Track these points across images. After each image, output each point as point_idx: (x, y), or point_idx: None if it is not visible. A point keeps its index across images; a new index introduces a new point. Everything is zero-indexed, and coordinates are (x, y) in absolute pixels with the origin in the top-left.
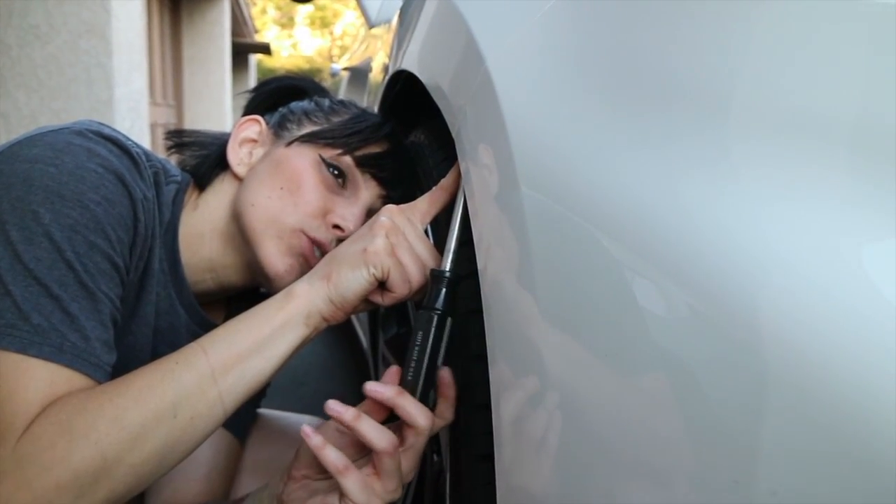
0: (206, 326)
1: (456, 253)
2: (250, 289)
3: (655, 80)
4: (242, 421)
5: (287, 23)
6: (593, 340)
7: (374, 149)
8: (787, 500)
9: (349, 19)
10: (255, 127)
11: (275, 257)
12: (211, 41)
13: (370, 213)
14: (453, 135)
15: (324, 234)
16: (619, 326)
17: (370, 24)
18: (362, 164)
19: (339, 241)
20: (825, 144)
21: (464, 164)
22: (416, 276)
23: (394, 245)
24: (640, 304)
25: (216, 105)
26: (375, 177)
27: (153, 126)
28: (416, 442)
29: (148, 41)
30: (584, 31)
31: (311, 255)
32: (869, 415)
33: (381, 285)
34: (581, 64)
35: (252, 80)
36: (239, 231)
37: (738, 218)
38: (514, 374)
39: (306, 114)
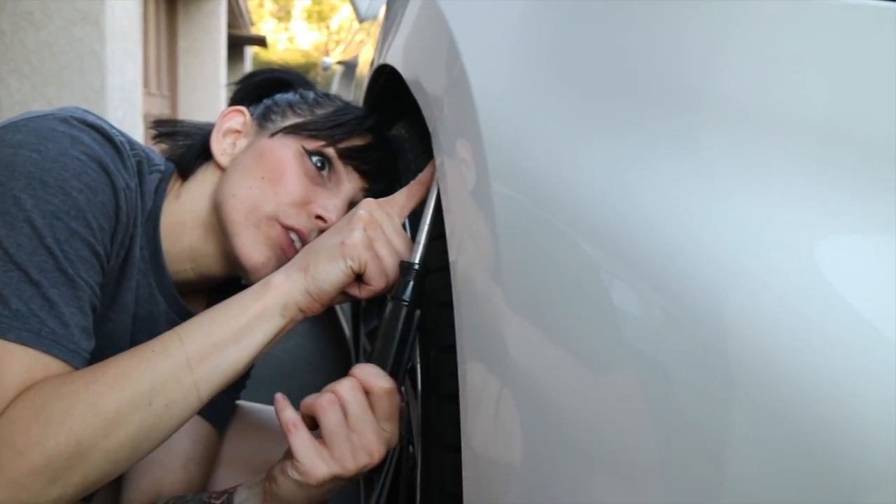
0: (185, 316)
1: (426, 246)
2: (231, 280)
3: (626, 77)
4: (221, 412)
5: (284, 16)
6: (560, 334)
7: (357, 141)
8: (744, 489)
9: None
10: (240, 118)
11: (251, 248)
12: (207, 33)
13: (352, 205)
14: (430, 129)
15: (303, 223)
16: (587, 321)
17: (360, 19)
18: (345, 156)
19: (321, 231)
20: (795, 142)
21: (439, 158)
22: (392, 270)
23: (371, 238)
24: (607, 299)
25: (210, 97)
26: (358, 169)
27: (146, 116)
28: (381, 404)
29: (143, 31)
30: (556, 29)
31: (289, 245)
32: (828, 411)
33: (359, 278)
34: (554, 61)
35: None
36: (219, 221)
37: (707, 214)
38: (482, 366)
39: (291, 106)
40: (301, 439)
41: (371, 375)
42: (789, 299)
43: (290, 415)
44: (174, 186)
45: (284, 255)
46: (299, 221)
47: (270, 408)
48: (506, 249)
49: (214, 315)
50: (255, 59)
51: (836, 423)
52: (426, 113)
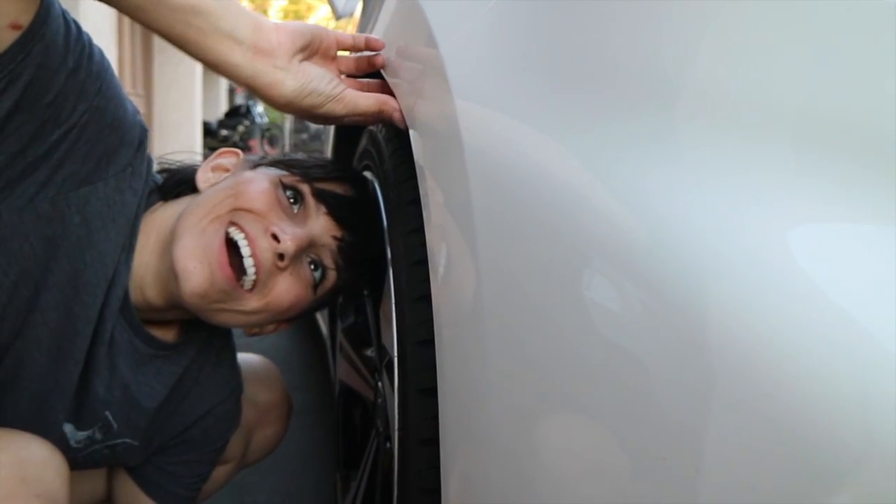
0: (139, 332)
1: None
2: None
3: (603, 68)
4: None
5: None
6: (538, 328)
7: (335, 188)
8: (722, 479)
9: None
10: (233, 159)
11: (186, 252)
12: None
13: (316, 245)
14: (406, 122)
15: (256, 232)
16: (565, 314)
17: (337, 16)
18: (319, 196)
19: (279, 257)
20: (775, 133)
21: (416, 150)
22: None
23: None
24: (585, 291)
25: (185, 96)
26: (331, 214)
27: None
28: None
29: (118, 29)
30: (533, 20)
31: (224, 264)
32: (805, 399)
33: None
34: (530, 52)
35: None
36: (173, 231)
37: (685, 205)
38: (460, 360)
39: (283, 156)
40: None
41: None
42: (767, 290)
43: None
44: (156, 203)
45: (220, 270)
46: (253, 229)
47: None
48: (483, 243)
49: None
50: None
51: (812, 412)
52: (403, 103)
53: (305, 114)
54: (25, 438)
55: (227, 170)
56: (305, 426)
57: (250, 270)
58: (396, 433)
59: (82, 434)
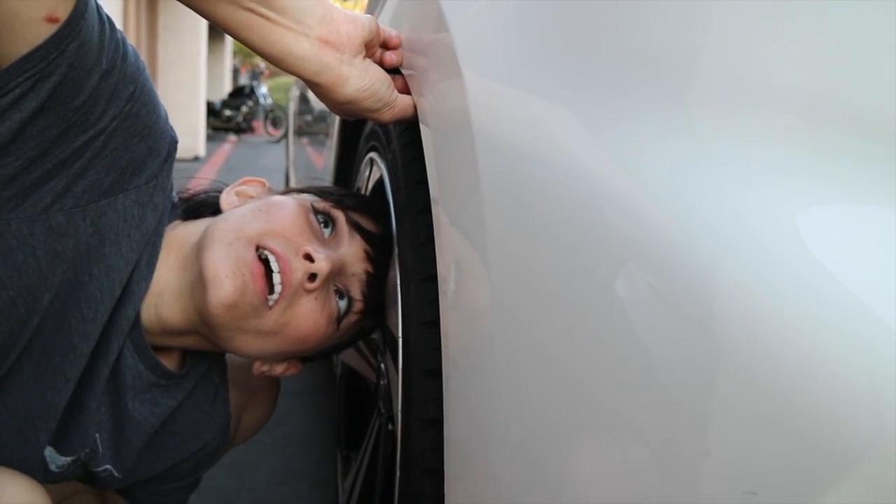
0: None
1: None
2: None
3: (617, 50)
4: None
5: None
6: (545, 311)
7: (368, 218)
8: (731, 464)
9: None
10: (259, 188)
11: (216, 260)
12: (187, 10)
13: (345, 274)
14: (416, 105)
15: (287, 253)
16: (572, 298)
17: None
18: (354, 225)
19: (310, 277)
20: (787, 120)
21: (425, 133)
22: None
23: None
24: (593, 274)
25: (190, 75)
26: (366, 244)
27: None
28: None
29: (123, 7)
30: (547, 1)
31: (259, 276)
32: (810, 388)
33: None
34: (543, 34)
35: (228, 52)
36: (197, 246)
37: (697, 194)
38: (465, 341)
39: (313, 185)
40: None
41: None
42: (776, 275)
43: None
44: (175, 221)
45: (253, 282)
46: (284, 250)
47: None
48: (491, 223)
49: None
50: None
51: (821, 397)
52: (413, 90)
53: (355, 115)
54: (4, 478)
55: (252, 197)
56: (306, 406)
57: (277, 288)
58: (400, 414)
59: (64, 459)
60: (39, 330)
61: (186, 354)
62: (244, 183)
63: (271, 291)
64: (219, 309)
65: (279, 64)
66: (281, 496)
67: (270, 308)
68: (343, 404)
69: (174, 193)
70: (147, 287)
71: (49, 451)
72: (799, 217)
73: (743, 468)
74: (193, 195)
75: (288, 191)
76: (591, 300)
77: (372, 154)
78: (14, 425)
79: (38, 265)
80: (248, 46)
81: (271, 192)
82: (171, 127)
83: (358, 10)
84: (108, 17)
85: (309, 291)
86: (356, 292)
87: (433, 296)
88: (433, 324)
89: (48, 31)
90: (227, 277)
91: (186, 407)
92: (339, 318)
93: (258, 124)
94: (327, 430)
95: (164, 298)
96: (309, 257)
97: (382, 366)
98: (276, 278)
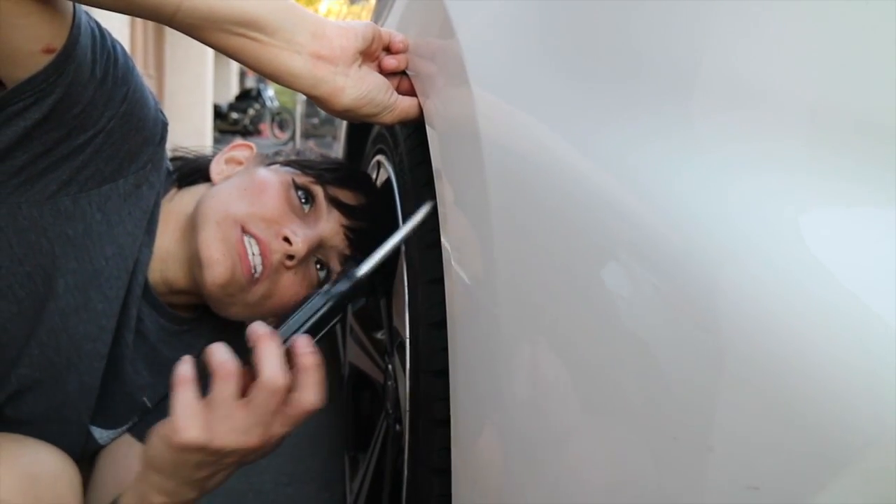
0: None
1: (375, 266)
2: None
3: (621, 57)
4: None
5: None
6: (551, 311)
7: (347, 192)
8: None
9: None
10: (247, 152)
11: (209, 242)
12: None
13: (325, 247)
14: (423, 109)
15: (268, 238)
16: (577, 298)
17: (351, 0)
18: (332, 201)
19: (288, 257)
20: (786, 120)
21: (432, 136)
22: None
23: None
24: (598, 274)
25: (196, 78)
26: (343, 218)
27: None
28: (258, 398)
29: None
30: (551, 6)
31: (244, 256)
32: (811, 385)
33: None
34: (548, 38)
35: None
36: (192, 220)
37: (698, 194)
38: (473, 341)
39: (296, 153)
40: (184, 395)
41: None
42: (777, 274)
43: (185, 370)
44: (171, 190)
45: (241, 263)
46: (264, 234)
47: None
48: (498, 224)
49: None
50: None
51: (822, 394)
52: (420, 92)
53: (358, 120)
54: (35, 450)
55: (241, 163)
56: None
57: (258, 269)
58: (407, 414)
59: (113, 432)
60: (64, 327)
61: (196, 306)
62: (234, 148)
63: (256, 270)
64: (213, 287)
65: (275, 80)
66: (289, 497)
67: (256, 284)
68: (351, 405)
69: (168, 162)
70: (150, 254)
71: (97, 431)
72: (798, 217)
73: (745, 463)
74: (185, 161)
75: (272, 162)
76: (595, 301)
77: (379, 157)
78: (53, 412)
79: (52, 247)
80: (245, 66)
81: (259, 157)
82: (160, 111)
83: (365, 14)
84: (96, 24)
85: (288, 269)
86: (334, 264)
87: (440, 297)
88: (440, 325)
89: (46, 60)
90: (219, 261)
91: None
92: (320, 286)
93: (265, 127)
94: (335, 432)
95: (168, 265)
96: (287, 240)
97: (390, 367)
98: (258, 260)
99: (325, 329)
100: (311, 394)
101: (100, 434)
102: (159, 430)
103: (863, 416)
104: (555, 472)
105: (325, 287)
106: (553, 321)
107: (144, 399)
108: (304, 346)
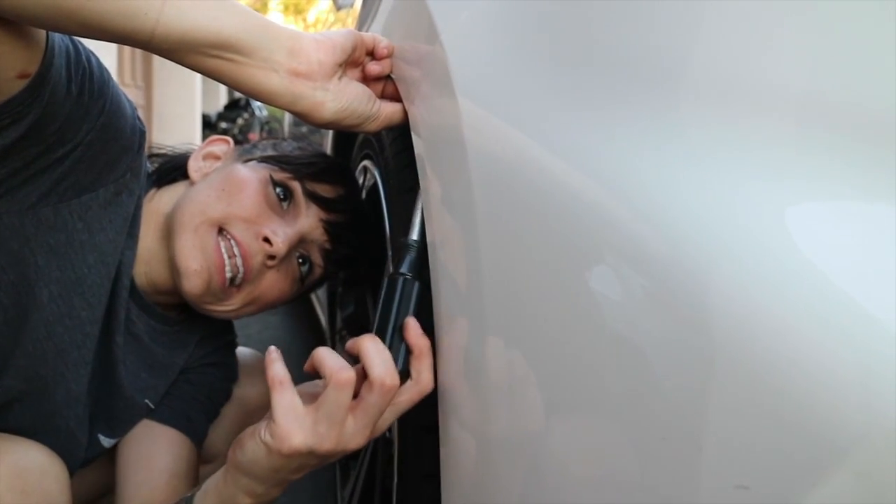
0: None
1: (421, 224)
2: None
3: (606, 52)
4: (198, 426)
5: (260, 8)
6: (539, 314)
7: (326, 186)
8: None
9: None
10: (224, 146)
11: (186, 252)
12: None
13: (305, 242)
14: (408, 113)
15: (248, 240)
16: (564, 300)
17: (338, 7)
18: (310, 196)
19: (269, 258)
20: (781, 120)
21: (417, 141)
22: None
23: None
24: (586, 275)
25: (185, 88)
26: (321, 213)
27: None
28: (370, 400)
29: None
30: (535, 9)
31: (220, 265)
32: (802, 381)
33: None
34: (533, 42)
35: None
36: (170, 223)
37: (688, 195)
38: (460, 346)
39: (273, 145)
40: (285, 399)
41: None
42: (766, 271)
43: (278, 370)
44: (150, 190)
45: (217, 273)
46: (244, 236)
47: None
48: (484, 230)
49: None
50: None
51: (812, 391)
52: (403, 92)
53: (342, 130)
54: (23, 447)
55: (219, 157)
56: None
57: (239, 276)
58: (396, 421)
59: (118, 438)
60: (49, 335)
61: (183, 304)
62: (211, 143)
63: (235, 276)
64: (190, 296)
65: (255, 98)
66: None
67: (238, 289)
68: None
69: (147, 164)
70: (134, 256)
71: (104, 440)
72: (787, 216)
73: (735, 463)
74: (163, 160)
75: (249, 158)
76: (584, 303)
77: (366, 162)
78: (41, 423)
79: (34, 257)
80: (224, 84)
81: (236, 153)
82: (138, 119)
83: (351, 20)
84: (70, 39)
85: (270, 268)
86: (316, 257)
87: (427, 302)
88: (427, 330)
89: (20, 85)
90: (197, 272)
91: (204, 334)
92: (303, 279)
93: (254, 136)
94: None
95: (152, 266)
96: (267, 240)
97: None
98: (239, 262)
99: (411, 310)
100: (428, 378)
101: (108, 442)
102: (256, 435)
103: (852, 416)
104: (543, 474)
105: (390, 271)
106: (540, 325)
107: (146, 401)
108: (416, 329)
